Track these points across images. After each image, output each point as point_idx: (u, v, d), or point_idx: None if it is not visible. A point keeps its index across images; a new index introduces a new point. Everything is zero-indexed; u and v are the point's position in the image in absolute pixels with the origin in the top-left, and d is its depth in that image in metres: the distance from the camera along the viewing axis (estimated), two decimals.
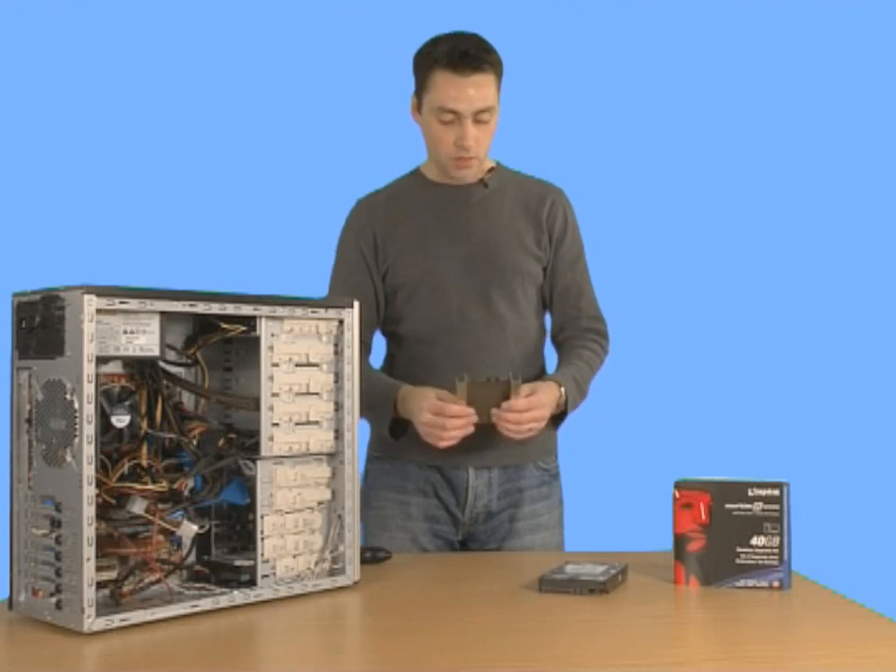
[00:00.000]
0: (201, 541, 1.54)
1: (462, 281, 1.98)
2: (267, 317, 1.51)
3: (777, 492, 1.55)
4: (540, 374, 2.06)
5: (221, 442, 1.52)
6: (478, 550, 2.05)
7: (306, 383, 1.56)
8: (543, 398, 1.86)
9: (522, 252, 2.01)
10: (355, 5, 3.16)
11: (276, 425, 1.52)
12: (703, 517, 1.57)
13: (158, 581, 1.44)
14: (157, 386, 1.45)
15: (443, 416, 1.82)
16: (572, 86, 3.20)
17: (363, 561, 1.67)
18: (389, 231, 2.02)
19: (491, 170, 2.05)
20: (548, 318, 2.11)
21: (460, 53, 1.86)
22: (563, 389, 1.92)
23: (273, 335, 1.52)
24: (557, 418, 1.98)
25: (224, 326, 1.50)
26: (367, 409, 1.91)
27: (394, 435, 1.96)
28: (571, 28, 3.20)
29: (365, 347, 2.04)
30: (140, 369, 1.44)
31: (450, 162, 1.96)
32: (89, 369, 1.30)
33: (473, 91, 1.87)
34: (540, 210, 2.04)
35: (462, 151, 1.92)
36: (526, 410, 1.83)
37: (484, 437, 1.89)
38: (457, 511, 2.03)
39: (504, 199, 2.03)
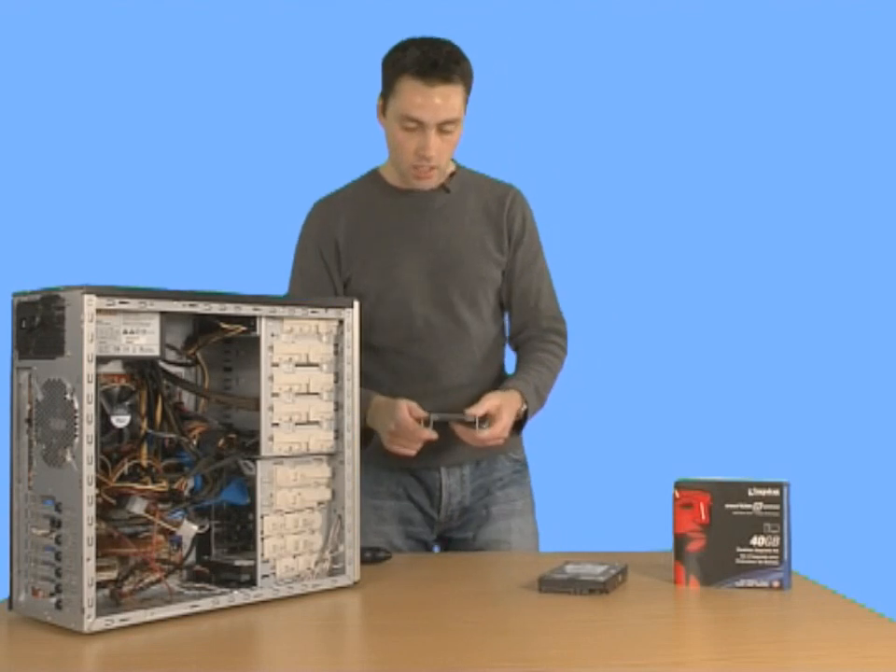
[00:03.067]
0: (201, 541, 1.54)
1: (425, 290, 1.97)
2: (267, 317, 1.51)
3: (776, 492, 1.55)
4: (499, 374, 2.05)
5: (221, 442, 1.52)
6: (456, 540, 2.04)
7: (306, 383, 1.56)
8: (507, 420, 1.87)
9: (484, 258, 2.00)
10: (334, 5, 3.16)
11: (276, 425, 1.52)
12: (703, 517, 1.57)
13: (158, 581, 1.44)
14: (157, 386, 1.45)
15: (413, 434, 1.84)
16: (530, 82, 3.18)
17: (363, 561, 1.67)
18: (350, 237, 1.99)
19: (451, 175, 2.02)
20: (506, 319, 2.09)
21: (430, 62, 1.83)
22: (524, 399, 1.92)
23: (273, 335, 1.52)
24: (516, 425, 1.95)
25: (224, 326, 1.50)
26: None
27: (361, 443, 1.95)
28: (534, 27, 3.19)
29: None
30: (140, 369, 1.44)
31: (409, 170, 1.93)
32: (89, 369, 1.30)
33: (439, 101, 1.84)
34: (500, 212, 2.02)
35: (423, 161, 1.89)
36: (487, 440, 1.86)
37: (454, 435, 1.89)
38: (432, 512, 2.02)
39: (465, 203, 2.01)
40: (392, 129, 1.91)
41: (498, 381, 2.01)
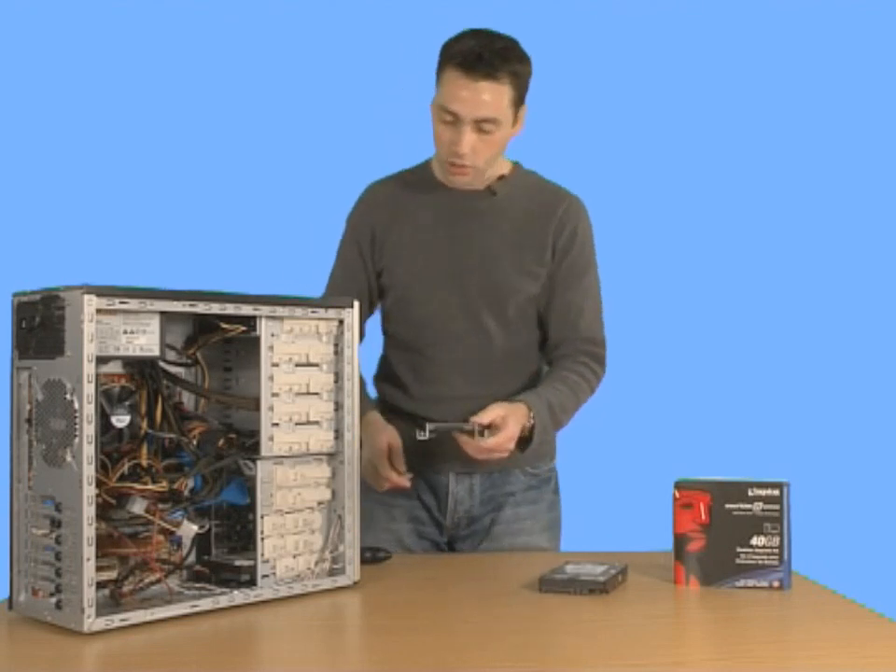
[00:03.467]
0: (201, 541, 1.54)
1: (451, 293, 1.91)
2: (267, 317, 1.51)
3: (776, 492, 1.55)
4: (526, 387, 1.94)
5: (221, 442, 1.52)
6: (459, 552, 2.01)
7: (306, 383, 1.56)
8: (512, 430, 1.78)
9: (518, 272, 1.91)
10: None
11: (276, 425, 1.52)
12: (703, 517, 1.57)
13: (158, 581, 1.44)
14: (157, 386, 1.45)
15: (379, 473, 1.84)
16: (596, 91, 3.18)
17: (363, 561, 1.67)
18: (388, 228, 1.96)
19: (501, 177, 1.94)
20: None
21: (475, 55, 1.75)
22: (532, 414, 1.82)
23: (273, 335, 1.52)
24: (522, 441, 1.85)
25: (224, 326, 1.50)
26: None
27: None
28: (587, 32, 3.19)
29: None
30: (140, 369, 1.44)
31: (444, 165, 1.87)
32: (89, 369, 1.30)
33: (481, 96, 1.76)
34: (548, 222, 1.92)
35: (455, 157, 1.82)
36: (491, 449, 1.78)
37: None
38: (439, 516, 1.99)
39: (511, 209, 1.93)
40: (434, 119, 1.85)
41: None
